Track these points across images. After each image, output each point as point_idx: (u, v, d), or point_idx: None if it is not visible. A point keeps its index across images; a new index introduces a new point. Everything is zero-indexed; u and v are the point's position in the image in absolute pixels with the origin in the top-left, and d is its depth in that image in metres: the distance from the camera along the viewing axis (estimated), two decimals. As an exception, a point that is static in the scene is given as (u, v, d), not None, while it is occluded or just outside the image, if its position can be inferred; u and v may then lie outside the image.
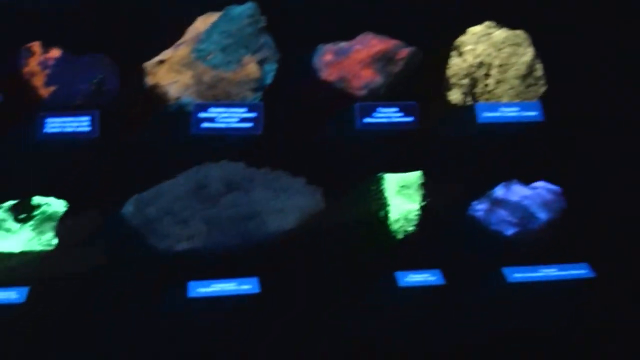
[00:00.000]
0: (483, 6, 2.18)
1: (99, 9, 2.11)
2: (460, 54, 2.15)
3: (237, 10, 2.06)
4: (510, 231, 1.99)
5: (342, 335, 1.83)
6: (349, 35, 2.13)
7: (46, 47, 2.05)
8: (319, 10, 2.14)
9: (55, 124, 1.98)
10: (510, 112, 2.08)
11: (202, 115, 2.00)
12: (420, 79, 2.13)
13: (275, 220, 1.91)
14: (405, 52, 2.10)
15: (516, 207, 1.99)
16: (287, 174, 1.97)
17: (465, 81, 2.13)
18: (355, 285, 1.91)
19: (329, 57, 2.09)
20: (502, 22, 2.17)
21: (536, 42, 2.13)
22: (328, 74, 2.08)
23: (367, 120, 2.03)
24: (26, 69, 2.03)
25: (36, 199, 1.92)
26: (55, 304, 1.85)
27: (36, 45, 2.04)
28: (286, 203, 1.92)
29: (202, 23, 2.08)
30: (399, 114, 2.04)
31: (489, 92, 2.14)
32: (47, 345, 1.79)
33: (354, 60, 2.08)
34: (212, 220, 1.90)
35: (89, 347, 1.79)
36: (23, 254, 1.90)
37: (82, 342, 1.80)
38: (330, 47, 2.10)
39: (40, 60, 2.03)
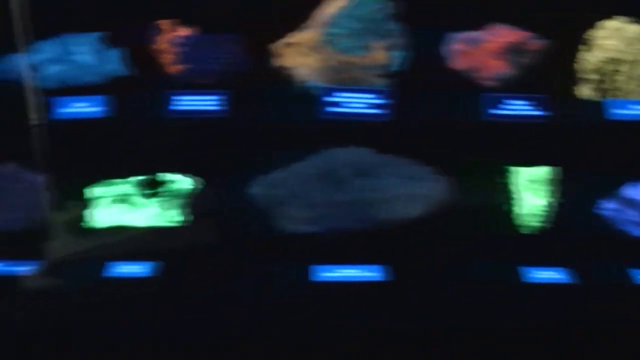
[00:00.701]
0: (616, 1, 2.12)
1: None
2: (591, 49, 2.09)
3: (368, -5, 2.03)
4: (638, 232, 1.94)
5: (460, 326, 1.80)
6: (477, 26, 2.08)
7: (175, 25, 2.05)
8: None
9: (183, 102, 1.98)
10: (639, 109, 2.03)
11: (329, 99, 1.98)
12: (549, 72, 2.07)
13: (402, 208, 1.89)
14: (536, 44, 2.05)
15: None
16: (415, 162, 1.94)
17: (595, 76, 2.08)
18: (478, 278, 1.88)
19: (459, 46, 2.05)
20: (636, 17, 2.10)
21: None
22: (457, 63, 2.05)
23: (495, 111, 1.99)
24: (155, 46, 2.03)
25: (163, 176, 1.93)
26: (179, 279, 1.85)
27: (166, 23, 2.05)
28: (414, 191, 1.90)
29: (332, 7, 2.06)
30: (528, 107, 2.00)
31: (618, 88, 2.08)
32: (170, 320, 1.79)
33: (484, 50, 2.05)
34: (339, 205, 1.89)
35: (208, 323, 1.79)
36: (148, 229, 1.90)
37: (203, 319, 1.80)
38: (460, 35, 2.07)
39: (170, 38, 2.03)
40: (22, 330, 1.80)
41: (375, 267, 1.87)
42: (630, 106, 2.04)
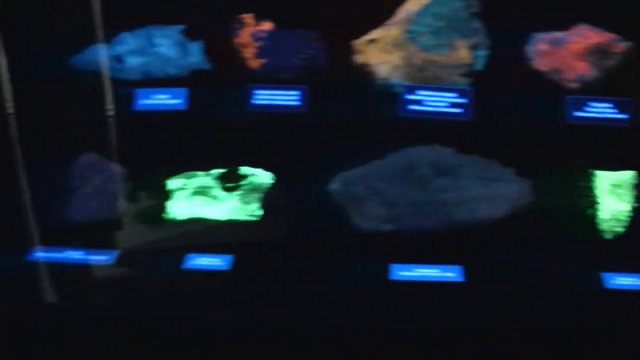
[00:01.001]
0: None
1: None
2: (676, 51, 2.05)
3: (455, -6, 2.02)
4: None
5: (538, 330, 1.77)
6: (562, 26, 2.05)
7: (258, 19, 2.05)
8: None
9: (264, 96, 1.98)
10: None
11: (411, 97, 1.96)
12: (633, 74, 2.03)
13: (483, 209, 1.86)
14: (621, 46, 2.02)
15: None
16: (497, 163, 1.91)
17: (680, 80, 2.03)
18: (558, 281, 1.85)
19: (543, 47, 2.02)
20: None
21: None
22: (541, 64, 2.02)
23: (579, 114, 1.96)
24: (238, 40, 2.03)
25: (244, 169, 1.93)
26: (257, 273, 1.85)
27: (248, 17, 2.05)
28: (495, 192, 1.88)
29: (415, 4, 2.05)
30: (613, 110, 1.96)
31: None
32: (248, 313, 1.79)
33: (569, 51, 2.02)
34: (419, 204, 1.87)
35: (285, 317, 1.78)
36: (228, 222, 1.90)
37: (279, 312, 1.79)
38: (545, 36, 2.04)
39: (252, 32, 2.03)
40: (98, 319, 1.81)
41: (453, 267, 1.85)
42: None
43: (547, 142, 1.99)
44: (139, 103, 2.01)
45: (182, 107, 1.99)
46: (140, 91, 2.01)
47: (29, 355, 1.80)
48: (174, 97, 2.00)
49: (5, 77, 2.06)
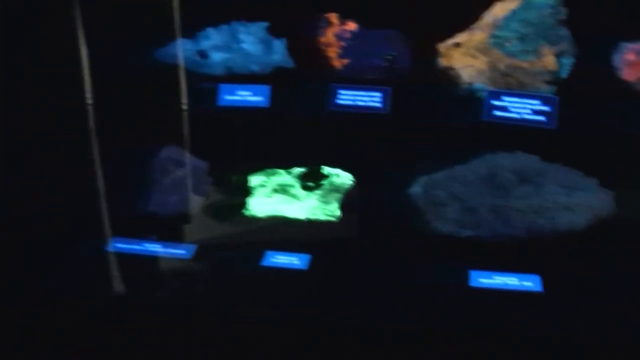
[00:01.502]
0: None
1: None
2: None
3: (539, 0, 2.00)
4: None
5: (615, 344, 1.75)
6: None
7: (343, 18, 2.05)
8: (620, 7, 2.04)
9: (347, 97, 1.98)
10: None
11: (495, 102, 1.95)
12: None
13: (564, 218, 1.85)
14: None
15: None
16: (580, 172, 1.90)
17: None
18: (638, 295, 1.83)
19: (630, 57, 2.00)
20: None
21: None
22: (628, 74, 1.99)
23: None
24: (323, 39, 2.03)
25: (325, 169, 1.93)
26: (335, 274, 1.85)
27: (334, 17, 2.05)
28: (578, 202, 1.86)
29: (501, 9, 2.03)
30: None
31: None
32: (323, 312, 1.79)
33: (656, 61, 1.98)
34: (500, 210, 1.86)
35: (361, 318, 1.79)
36: (307, 221, 1.91)
37: (356, 313, 1.79)
38: (632, 46, 2.01)
39: (337, 32, 2.04)
40: (173, 312, 1.83)
41: (532, 276, 1.83)
42: None
43: (632, 152, 1.97)
44: (222, 98, 2.02)
45: (265, 105, 2.00)
46: (223, 87, 2.02)
47: (105, 345, 1.82)
48: (256, 94, 2.01)
49: (87, 68, 2.09)
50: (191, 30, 2.09)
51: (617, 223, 1.89)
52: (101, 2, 2.10)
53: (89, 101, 2.08)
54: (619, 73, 2.01)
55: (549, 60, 1.99)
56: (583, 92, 2.00)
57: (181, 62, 2.06)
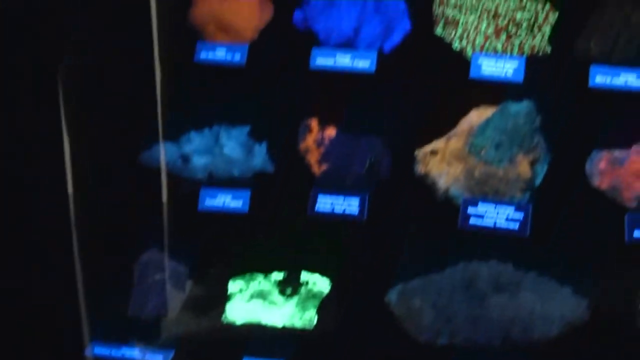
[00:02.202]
0: None
1: (372, 92, 2.14)
2: None
3: (514, 107, 2.04)
4: None
5: None
6: (623, 144, 2.07)
7: (324, 124, 2.09)
8: (591, 117, 2.10)
9: (325, 203, 2.01)
10: None
11: (471, 210, 1.98)
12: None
13: (539, 327, 1.87)
14: (683, 166, 2.02)
15: None
16: (554, 280, 1.92)
17: None
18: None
19: (602, 165, 2.04)
20: None
21: None
22: (601, 182, 2.03)
23: (638, 232, 1.97)
24: (303, 145, 2.07)
25: (303, 275, 1.95)
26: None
27: (314, 122, 2.09)
28: (551, 310, 1.88)
29: (477, 116, 2.08)
30: (673, 229, 1.97)
31: None
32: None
33: (628, 170, 2.03)
34: (476, 320, 1.88)
35: None
36: (284, 329, 1.92)
37: None
38: (605, 153, 2.05)
39: (317, 138, 2.07)
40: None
41: (508, 385, 1.85)
42: None
43: (607, 261, 1.99)
44: (203, 203, 2.05)
45: (244, 209, 2.03)
46: (204, 190, 2.05)
47: None
48: (237, 199, 2.04)
49: (69, 165, 2.12)
50: (174, 133, 2.12)
51: (592, 331, 1.90)
52: (84, 103, 2.13)
53: (70, 201, 2.11)
54: (593, 181, 2.05)
55: (523, 168, 2.03)
56: (557, 200, 2.04)
57: (164, 165, 2.09)
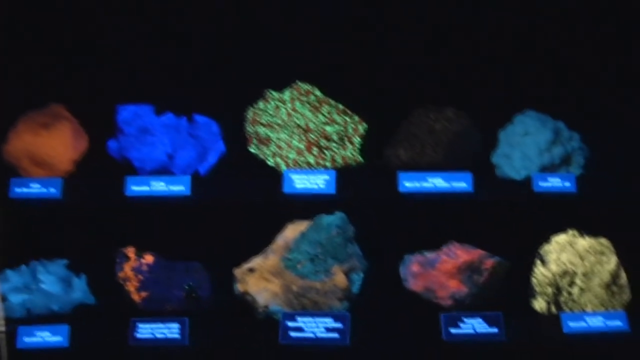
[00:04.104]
0: (567, 213, 2.20)
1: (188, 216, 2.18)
2: (544, 263, 2.16)
3: (327, 220, 2.11)
4: None
5: None
6: (435, 244, 2.15)
7: (140, 252, 2.11)
8: (406, 222, 2.18)
9: (146, 330, 2.02)
10: (595, 322, 2.07)
11: (290, 324, 2.02)
12: (505, 287, 2.13)
13: None
14: (490, 262, 2.12)
15: None
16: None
17: (550, 290, 2.14)
18: None
19: (415, 268, 2.12)
20: (585, 231, 2.18)
21: (619, 250, 2.15)
22: (415, 284, 2.11)
23: (454, 330, 2.04)
24: (121, 274, 2.08)
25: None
26: None
27: (131, 251, 2.10)
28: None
29: (292, 231, 2.13)
30: (483, 325, 2.05)
31: (574, 301, 2.14)
32: None
33: (440, 271, 2.11)
34: None
35: None
36: None
37: None
38: (417, 257, 2.13)
39: (134, 266, 2.09)
40: None
41: None
42: (587, 318, 2.09)
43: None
44: (21, 340, 2.02)
45: (64, 345, 2.01)
46: (22, 328, 2.03)
47: None
48: (56, 334, 2.02)
49: None
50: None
51: None
52: None
53: None
54: (407, 284, 2.12)
55: (339, 278, 2.09)
56: (375, 306, 2.10)
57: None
